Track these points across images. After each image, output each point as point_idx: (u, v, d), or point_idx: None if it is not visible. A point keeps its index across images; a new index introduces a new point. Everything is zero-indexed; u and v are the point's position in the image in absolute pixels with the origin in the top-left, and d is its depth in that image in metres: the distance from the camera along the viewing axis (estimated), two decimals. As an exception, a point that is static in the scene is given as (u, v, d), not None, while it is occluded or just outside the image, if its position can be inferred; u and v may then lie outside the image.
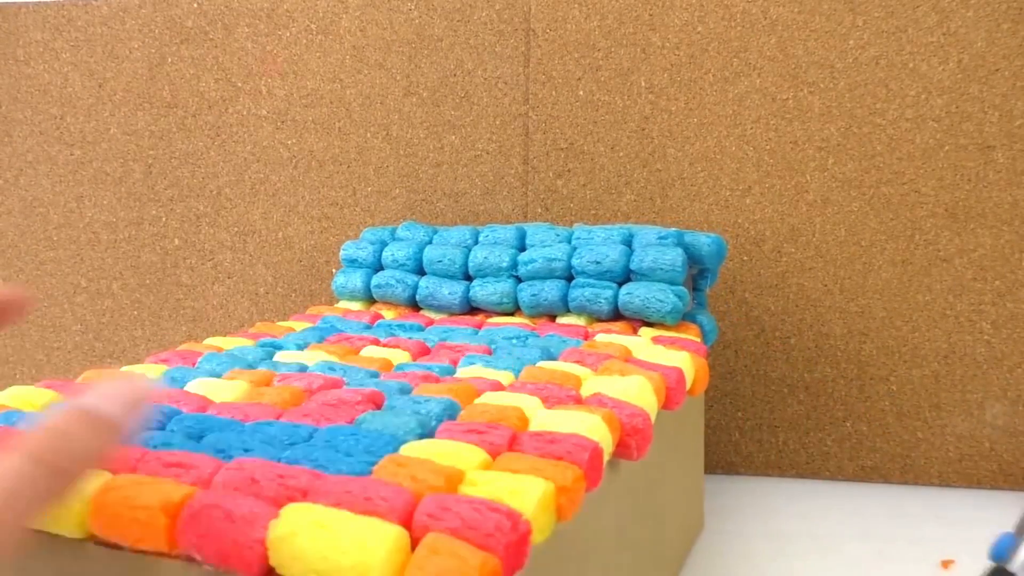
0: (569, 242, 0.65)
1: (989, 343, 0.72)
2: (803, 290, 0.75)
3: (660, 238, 0.62)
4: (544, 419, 0.40)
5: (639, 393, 0.44)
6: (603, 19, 0.77)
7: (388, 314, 0.67)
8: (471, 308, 0.67)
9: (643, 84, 0.76)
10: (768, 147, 0.74)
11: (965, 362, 0.72)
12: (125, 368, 0.49)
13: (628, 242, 0.63)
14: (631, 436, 0.41)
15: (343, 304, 0.71)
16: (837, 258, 0.74)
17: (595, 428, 0.38)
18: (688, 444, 0.59)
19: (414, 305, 0.68)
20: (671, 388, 0.49)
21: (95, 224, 0.89)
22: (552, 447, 0.36)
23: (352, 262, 0.71)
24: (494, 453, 0.36)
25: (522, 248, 0.67)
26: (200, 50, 0.86)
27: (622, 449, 0.41)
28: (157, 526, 0.29)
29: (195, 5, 0.86)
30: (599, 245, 0.62)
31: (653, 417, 0.45)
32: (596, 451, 0.36)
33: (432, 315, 0.67)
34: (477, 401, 0.42)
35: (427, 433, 0.38)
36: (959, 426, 0.73)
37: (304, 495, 0.30)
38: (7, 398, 0.42)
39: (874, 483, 0.74)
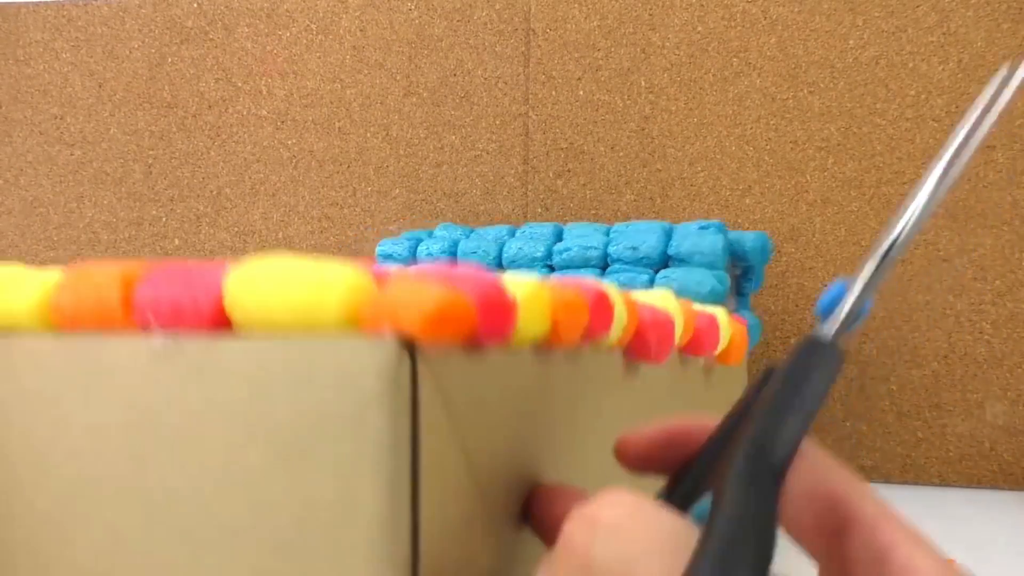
0: (607, 235, 0.63)
1: (989, 343, 0.72)
2: (803, 290, 0.75)
3: (700, 228, 0.60)
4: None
5: (663, 299, 0.38)
6: (603, 19, 0.77)
7: None
8: None
9: (643, 84, 0.76)
10: (768, 147, 0.74)
11: (965, 362, 0.72)
12: None
13: (668, 232, 0.62)
14: (651, 329, 0.35)
15: None
16: (837, 258, 0.74)
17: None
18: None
19: None
20: (701, 329, 0.42)
21: (95, 224, 0.89)
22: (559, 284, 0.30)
23: (387, 258, 0.70)
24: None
25: (559, 242, 0.65)
26: (200, 50, 0.86)
27: (639, 345, 0.35)
28: (112, 298, 0.25)
29: (195, 5, 0.86)
30: (637, 232, 0.60)
31: (677, 326, 0.38)
32: (603, 294, 0.30)
33: None
34: None
35: None
36: (959, 426, 0.73)
37: None
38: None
39: (874, 482, 0.74)
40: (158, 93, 0.87)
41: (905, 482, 0.74)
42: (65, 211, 0.90)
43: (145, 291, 0.24)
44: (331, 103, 0.83)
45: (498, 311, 0.23)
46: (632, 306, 0.35)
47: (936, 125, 0.71)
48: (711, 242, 0.58)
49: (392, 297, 0.21)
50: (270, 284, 0.23)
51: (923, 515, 0.75)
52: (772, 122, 0.74)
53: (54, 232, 0.90)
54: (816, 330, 0.22)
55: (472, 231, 0.71)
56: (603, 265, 0.62)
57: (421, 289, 0.21)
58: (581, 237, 0.63)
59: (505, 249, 0.65)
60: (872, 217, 0.73)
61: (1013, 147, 0.70)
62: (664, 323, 0.36)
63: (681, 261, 0.58)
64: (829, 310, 0.23)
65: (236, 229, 0.86)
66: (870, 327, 0.74)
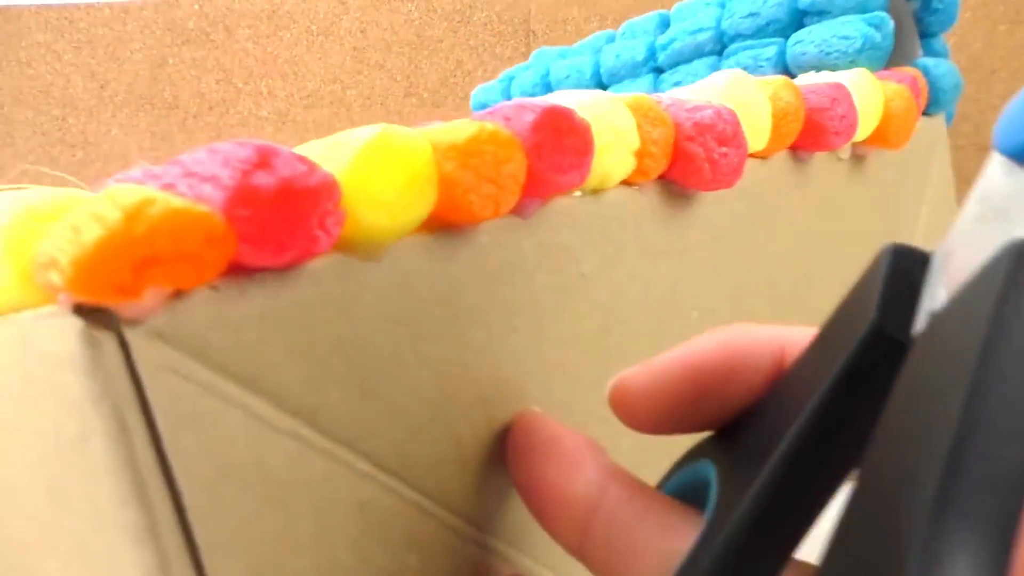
0: (723, 6, 0.47)
1: (987, 343, 0.72)
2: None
3: None
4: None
5: (727, 87, 0.26)
6: (603, 20, 0.77)
7: None
8: None
9: (642, 85, 0.77)
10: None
11: (963, 361, 0.72)
12: None
13: None
14: (695, 137, 0.24)
15: None
16: None
17: (592, 102, 0.22)
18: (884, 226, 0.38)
19: None
20: (818, 107, 0.29)
21: (97, 225, 0.90)
22: (489, 117, 0.20)
23: (482, 107, 0.59)
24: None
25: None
26: (201, 52, 0.86)
27: (683, 162, 0.24)
28: None
29: (196, 7, 0.86)
30: None
31: (759, 130, 0.27)
32: (556, 114, 0.19)
33: None
34: None
35: None
36: (957, 425, 0.73)
37: None
38: None
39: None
40: (159, 94, 0.88)
41: (903, 481, 0.74)
42: (67, 212, 0.90)
43: None
44: (331, 104, 0.84)
45: (280, 218, 0.14)
46: (653, 113, 0.23)
47: (934, 126, 0.72)
48: None
49: (54, 238, 0.13)
50: None
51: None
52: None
53: (56, 233, 0.90)
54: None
55: (568, 49, 0.57)
56: (720, 49, 0.46)
57: (86, 216, 0.13)
58: (689, 19, 0.47)
59: (602, 62, 0.51)
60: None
61: (1011, 148, 0.70)
62: (714, 125, 0.24)
63: (820, 14, 0.42)
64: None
65: (237, 230, 0.87)
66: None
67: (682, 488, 0.17)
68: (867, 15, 0.39)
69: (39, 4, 0.89)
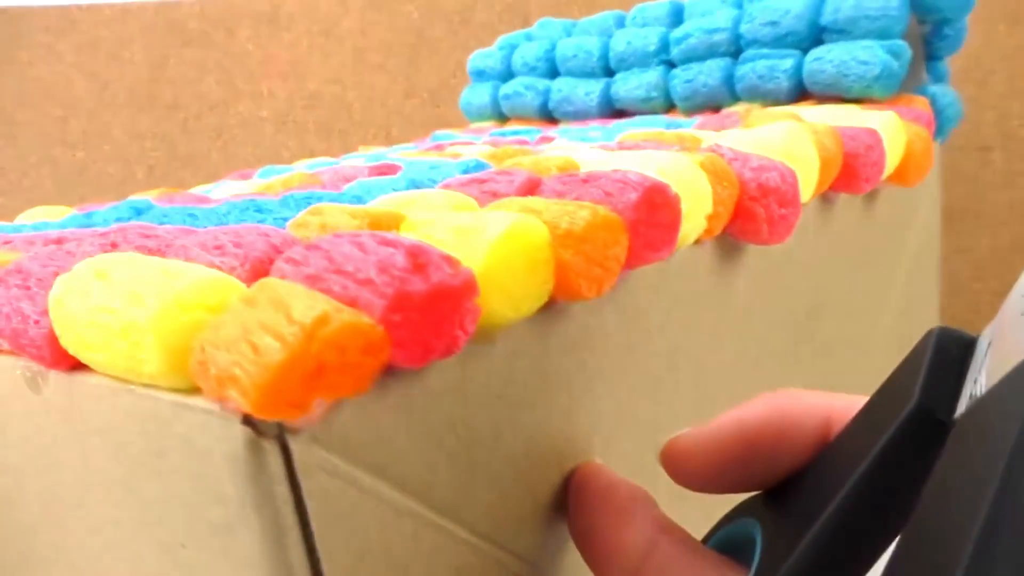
0: (740, 7, 0.47)
1: (986, 343, 0.72)
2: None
3: None
4: (598, 161, 0.25)
5: (785, 142, 0.27)
6: (602, 21, 0.77)
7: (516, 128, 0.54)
8: (613, 111, 0.52)
9: (642, 86, 0.77)
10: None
11: (963, 361, 0.72)
12: (195, 190, 0.41)
13: None
14: (759, 199, 0.24)
15: (474, 126, 0.59)
16: None
17: (673, 168, 0.22)
18: (903, 274, 0.40)
19: (548, 115, 0.55)
20: (853, 153, 0.30)
21: (98, 225, 0.90)
22: (584, 188, 0.21)
23: (480, 74, 0.59)
24: (487, 202, 0.22)
25: (678, 27, 0.49)
26: (202, 52, 0.86)
27: (743, 220, 0.24)
28: None
29: (197, 8, 0.86)
30: (777, 1, 0.44)
31: (807, 184, 0.27)
32: (656, 191, 0.20)
33: (568, 125, 0.53)
34: (516, 160, 0.28)
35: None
36: (957, 425, 0.73)
37: (161, 255, 0.19)
38: (25, 217, 0.34)
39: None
40: (160, 95, 0.88)
41: (903, 481, 0.74)
42: (68, 212, 0.90)
43: None
44: (332, 105, 0.84)
45: (433, 321, 0.15)
46: (724, 174, 0.24)
47: (933, 126, 0.72)
48: (883, 0, 0.40)
49: (238, 323, 0.14)
50: (84, 302, 0.16)
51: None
52: (770, 123, 0.74)
53: (57, 233, 0.90)
54: None
55: (575, 24, 0.56)
56: (734, 51, 0.46)
57: (285, 307, 0.14)
58: (704, 16, 0.47)
59: (612, 46, 0.50)
60: (870, 218, 0.73)
61: (1010, 148, 0.70)
62: (779, 189, 0.25)
63: (840, 32, 0.41)
64: None
65: (238, 230, 0.87)
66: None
67: (727, 543, 0.18)
68: (886, 42, 0.40)
69: (40, 5, 0.89)
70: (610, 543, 0.17)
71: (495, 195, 0.22)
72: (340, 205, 0.20)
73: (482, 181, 0.23)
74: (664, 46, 0.48)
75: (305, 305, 0.14)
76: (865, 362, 0.38)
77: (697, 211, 0.22)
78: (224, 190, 0.35)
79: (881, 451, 0.14)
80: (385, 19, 0.82)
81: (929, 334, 0.15)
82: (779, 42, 0.43)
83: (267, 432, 0.14)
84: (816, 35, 0.43)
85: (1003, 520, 0.10)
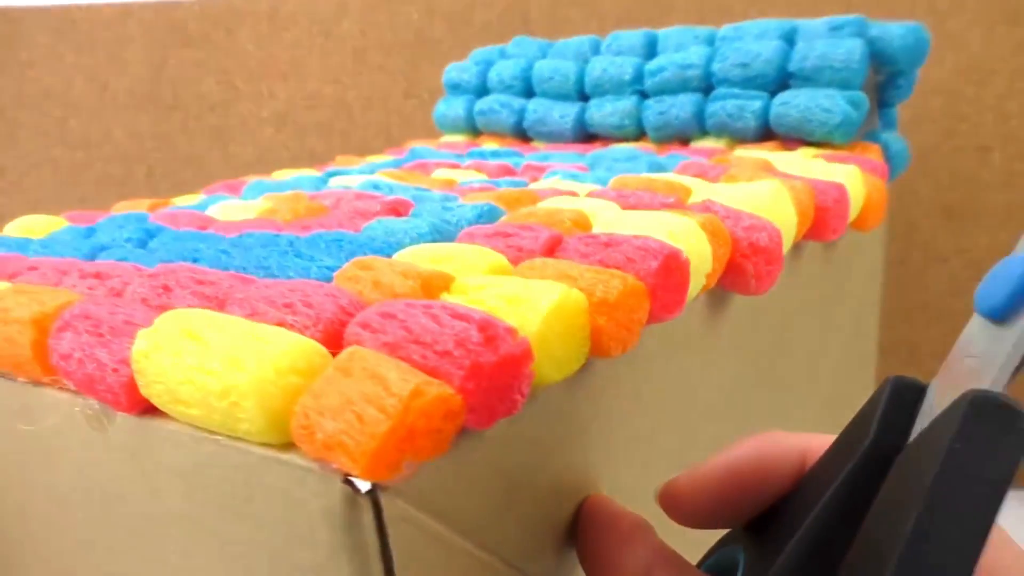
0: (711, 44, 0.50)
1: (986, 342, 0.72)
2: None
3: (832, 28, 0.47)
4: (611, 220, 0.27)
5: (769, 201, 0.30)
6: (602, 21, 0.77)
7: (491, 145, 0.55)
8: (587, 135, 0.54)
9: (642, 86, 0.77)
10: (766, 148, 0.75)
11: (962, 361, 0.73)
12: (178, 199, 0.42)
13: (789, 38, 0.48)
14: (750, 257, 0.27)
15: (447, 138, 0.61)
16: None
17: (682, 232, 0.25)
18: (849, 311, 0.44)
19: (522, 134, 0.57)
20: (823, 207, 0.34)
21: (98, 226, 0.90)
22: (606, 252, 0.23)
23: (455, 88, 0.60)
24: (517, 260, 0.24)
25: (652, 57, 0.53)
26: (202, 53, 0.86)
27: (733, 274, 0.28)
28: (23, 343, 0.21)
29: (197, 8, 0.86)
30: (749, 43, 0.47)
31: (787, 239, 0.30)
32: (672, 258, 0.23)
33: (541, 145, 0.55)
34: (528, 208, 0.30)
35: (442, 239, 0.27)
36: (956, 425, 0.73)
37: (221, 305, 0.21)
38: (17, 228, 0.36)
39: (872, 482, 0.75)
40: (160, 95, 0.88)
41: (903, 481, 0.74)
42: (68, 213, 0.90)
43: (58, 345, 0.20)
44: (332, 105, 0.84)
45: (499, 387, 0.17)
46: (720, 235, 0.26)
47: (932, 126, 0.72)
48: (846, 52, 0.44)
49: (338, 392, 0.16)
50: (178, 361, 0.18)
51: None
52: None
53: (57, 234, 0.90)
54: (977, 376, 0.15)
55: (551, 45, 0.58)
56: (705, 87, 0.49)
57: (382, 378, 0.16)
58: (677, 52, 0.50)
59: (587, 72, 0.53)
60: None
61: (1009, 148, 0.71)
62: (767, 248, 0.28)
63: (805, 79, 0.45)
64: (1009, 305, 0.14)
65: (238, 230, 0.87)
66: (868, 327, 0.74)
67: (717, 567, 0.20)
68: (847, 92, 0.43)
69: (40, 5, 0.89)
70: (612, 567, 0.19)
71: (521, 250, 0.25)
72: (386, 260, 0.23)
73: (507, 235, 0.25)
74: (639, 76, 0.51)
75: (400, 378, 0.16)
76: (814, 397, 0.41)
77: (700, 271, 0.25)
78: (224, 210, 0.36)
79: (844, 480, 0.17)
80: (385, 19, 0.82)
81: (885, 381, 0.18)
82: (748, 83, 0.47)
83: (361, 489, 0.16)
84: (783, 80, 0.46)
85: (924, 532, 0.13)
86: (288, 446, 0.17)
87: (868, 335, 0.51)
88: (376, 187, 0.38)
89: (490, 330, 0.17)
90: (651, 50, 0.53)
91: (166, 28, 0.87)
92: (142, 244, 0.31)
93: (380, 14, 0.82)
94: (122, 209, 0.40)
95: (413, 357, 0.17)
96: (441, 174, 0.42)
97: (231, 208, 0.36)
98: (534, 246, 0.25)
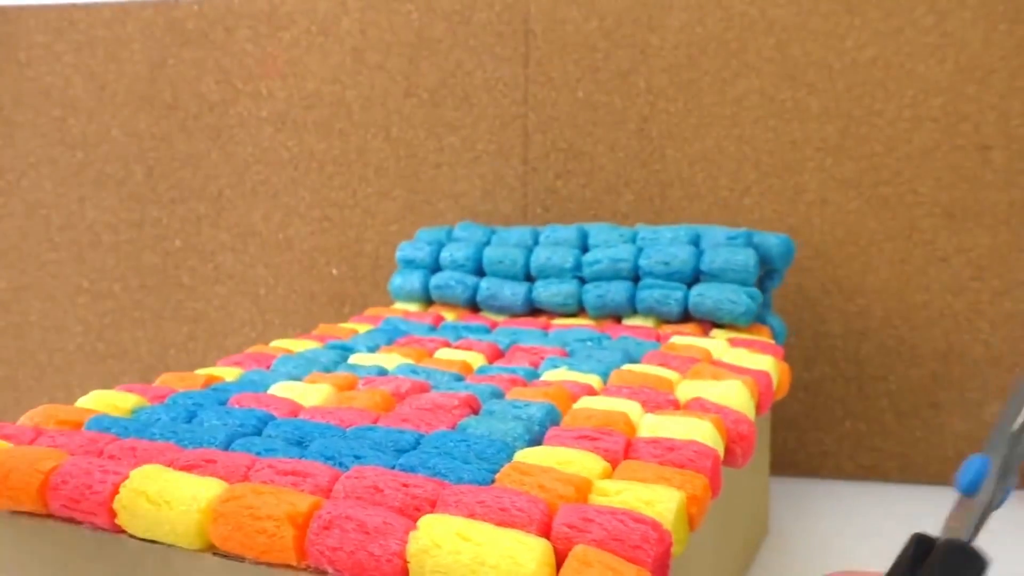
0: (634, 242, 0.65)
1: (987, 343, 0.72)
2: (802, 290, 0.75)
3: (729, 238, 0.62)
4: (653, 424, 0.40)
5: (739, 398, 0.44)
6: (602, 20, 0.77)
7: (449, 316, 0.67)
8: (533, 309, 0.67)
9: (642, 85, 0.77)
10: (767, 147, 0.75)
11: (963, 361, 0.72)
12: (200, 372, 0.50)
13: (695, 242, 0.64)
14: (737, 443, 0.40)
15: (400, 305, 0.71)
16: (835, 258, 0.74)
17: (710, 435, 0.38)
18: (760, 448, 0.59)
19: (473, 306, 0.68)
20: (762, 393, 0.48)
21: (96, 226, 0.90)
22: (672, 455, 0.35)
23: (409, 263, 0.71)
24: (612, 461, 0.35)
25: (585, 248, 0.67)
26: (201, 52, 0.86)
27: (728, 456, 0.40)
28: (284, 537, 0.28)
29: (196, 8, 0.86)
30: (667, 246, 0.63)
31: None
32: (717, 459, 0.36)
33: (493, 317, 0.67)
34: (576, 406, 0.42)
35: (535, 439, 0.38)
36: (957, 425, 0.73)
37: (432, 505, 0.30)
38: (91, 402, 0.43)
39: (872, 482, 0.75)
40: (159, 95, 0.88)
41: (904, 481, 0.74)
42: (67, 213, 0.90)
43: (325, 540, 0.29)
44: (331, 104, 0.84)
45: (664, 567, 0.28)
46: (723, 430, 0.40)
47: (934, 125, 0.71)
48: (744, 259, 0.60)
49: None
50: (458, 558, 0.26)
51: (921, 514, 0.75)
52: (770, 123, 0.74)
53: (56, 234, 0.90)
54: (959, 530, 0.28)
55: (493, 232, 0.71)
56: (634, 277, 0.63)
57: (614, 568, 0.26)
58: (609, 248, 0.64)
59: (533, 258, 0.66)
60: (870, 217, 0.73)
61: (1010, 147, 0.70)
62: (748, 435, 0.41)
63: (713, 276, 0.61)
64: (974, 486, 0.27)
65: (237, 230, 0.87)
66: (869, 327, 0.74)
67: None
68: (747, 288, 0.60)
69: (40, 5, 0.89)
70: None
71: (608, 452, 0.36)
72: (539, 467, 0.33)
73: (593, 439, 0.37)
74: (577, 265, 0.65)
75: (625, 566, 0.26)
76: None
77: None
78: (290, 391, 0.46)
79: None
80: (384, 19, 0.82)
81: (911, 537, 0.27)
82: (669, 276, 0.62)
83: None
84: (696, 275, 0.62)
85: None
86: None
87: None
88: (413, 371, 0.49)
89: (657, 529, 0.28)
90: (583, 241, 0.67)
91: (165, 28, 0.87)
92: (257, 432, 0.39)
93: (379, 13, 0.82)
94: (170, 382, 0.48)
95: (617, 550, 0.27)
96: (446, 354, 0.54)
97: (296, 390, 0.46)
98: (617, 448, 0.36)
